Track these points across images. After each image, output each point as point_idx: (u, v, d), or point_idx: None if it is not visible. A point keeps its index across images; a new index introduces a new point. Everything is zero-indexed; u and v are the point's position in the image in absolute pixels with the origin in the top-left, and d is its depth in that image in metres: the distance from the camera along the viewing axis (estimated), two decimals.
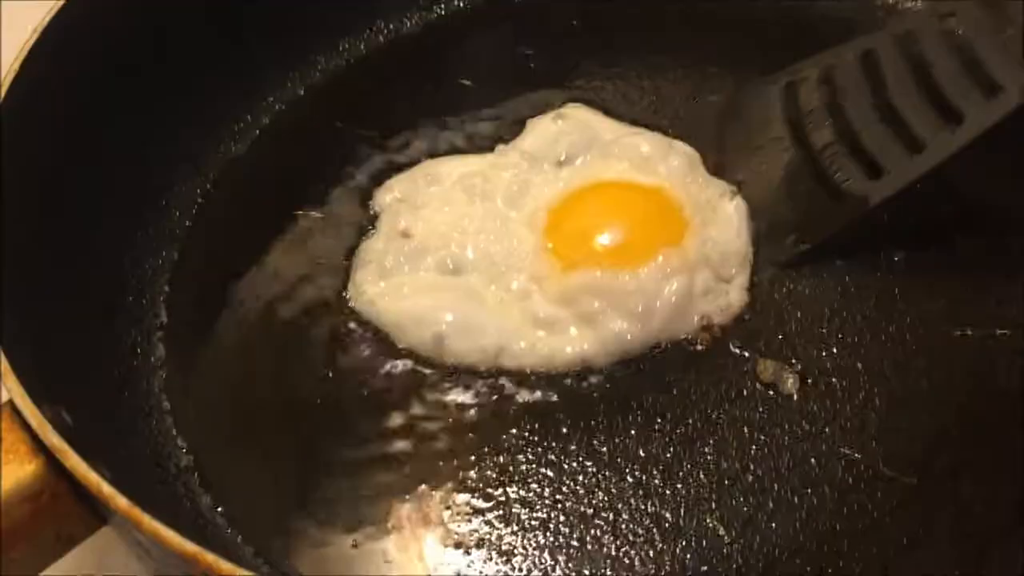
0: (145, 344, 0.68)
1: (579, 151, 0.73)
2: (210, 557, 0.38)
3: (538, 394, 0.63)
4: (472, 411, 0.62)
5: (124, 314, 0.68)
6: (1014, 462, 0.57)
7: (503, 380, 0.63)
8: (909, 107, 0.65)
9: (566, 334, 0.64)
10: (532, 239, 0.67)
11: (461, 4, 0.88)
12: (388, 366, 0.65)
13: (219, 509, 0.59)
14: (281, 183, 0.77)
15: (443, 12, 0.88)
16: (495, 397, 0.63)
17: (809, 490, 0.57)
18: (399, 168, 0.76)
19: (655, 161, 0.70)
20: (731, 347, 0.63)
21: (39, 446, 0.47)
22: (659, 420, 0.61)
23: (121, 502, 0.40)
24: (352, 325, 0.67)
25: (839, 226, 0.66)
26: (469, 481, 0.59)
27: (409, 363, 0.65)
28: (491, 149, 0.75)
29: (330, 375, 0.65)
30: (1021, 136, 0.63)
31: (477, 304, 0.65)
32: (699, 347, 0.64)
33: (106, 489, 0.41)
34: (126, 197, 0.72)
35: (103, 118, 0.70)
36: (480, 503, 0.58)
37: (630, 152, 0.71)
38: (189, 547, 0.38)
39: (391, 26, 0.87)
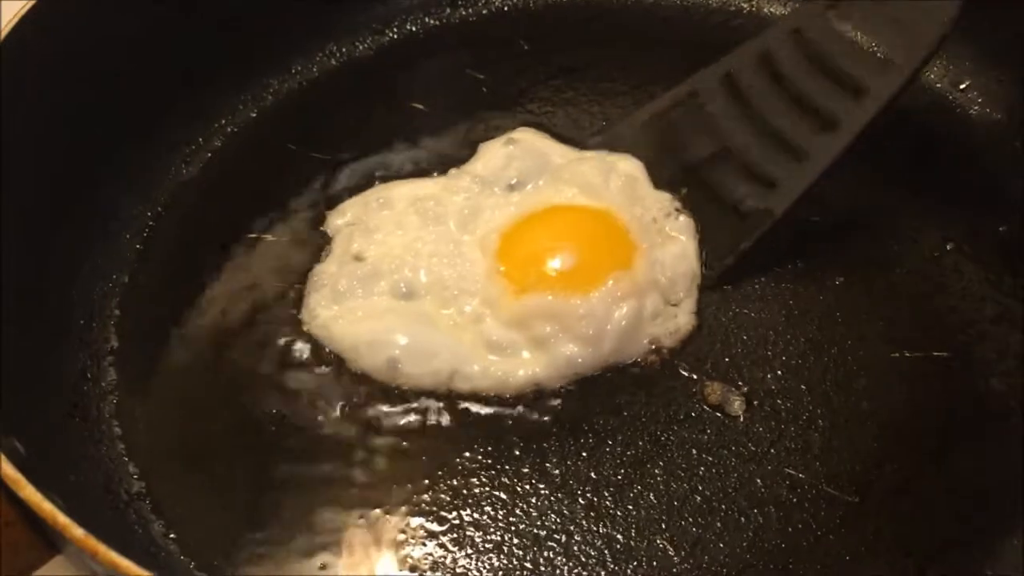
0: (95, 369, 0.67)
1: (530, 175, 0.74)
2: None
3: (491, 417, 0.63)
4: (426, 434, 0.63)
5: (74, 339, 0.68)
6: (951, 480, 0.59)
7: (457, 403, 0.64)
8: (781, 119, 0.69)
9: (519, 357, 0.65)
10: (485, 263, 0.68)
11: (414, 28, 0.89)
12: (342, 390, 0.65)
13: (171, 536, 0.59)
14: (233, 206, 0.77)
15: (396, 36, 0.89)
16: (449, 421, 0.63)
17: (755, 510, 0.58)
18: (352, 191, 0.76)
19: (602, 183, 0.71)
20: (680, 370, 0.65)
21: None
22: (610, 442, 0.62)
23: (76, 532, 0.40)
24: (305, 349, 0.67)
25: (750, 241, 0.68)
26: (423, 504, 0.60)
27: (363, 387, 0.65)
28: (443, 172, 0.76)
29: (283, 399, 0.65)
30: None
31: (430, 328, 0.66)
32: (649, 370, 0.65)
33: (61, 519, 0.41)
34: (76, 221, 0.72)
35: (53, 141, 0.70)
36: (434, 526, 0.59)
37: (578, 177, 0.72)
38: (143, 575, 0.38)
39: (343, 49, 0.87)
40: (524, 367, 0.64)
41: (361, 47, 0.88)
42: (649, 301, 0.66)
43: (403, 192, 0.74)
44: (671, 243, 0.69)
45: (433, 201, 0.72)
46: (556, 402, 0.64)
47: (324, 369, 0.66)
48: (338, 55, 0.87)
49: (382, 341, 0.65)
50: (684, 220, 0.70)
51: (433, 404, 0.64)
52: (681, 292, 0.68)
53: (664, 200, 0.71)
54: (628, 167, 0.73)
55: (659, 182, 0.72)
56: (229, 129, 0.82)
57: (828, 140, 0.67)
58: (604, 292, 0.65)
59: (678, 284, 0.68)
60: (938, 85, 0.80)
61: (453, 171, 0.75)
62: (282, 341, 0.68)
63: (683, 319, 0.67)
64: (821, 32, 0.69)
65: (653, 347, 0.65)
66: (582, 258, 0.67)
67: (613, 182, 0.71)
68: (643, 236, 0.68)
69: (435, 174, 0.76)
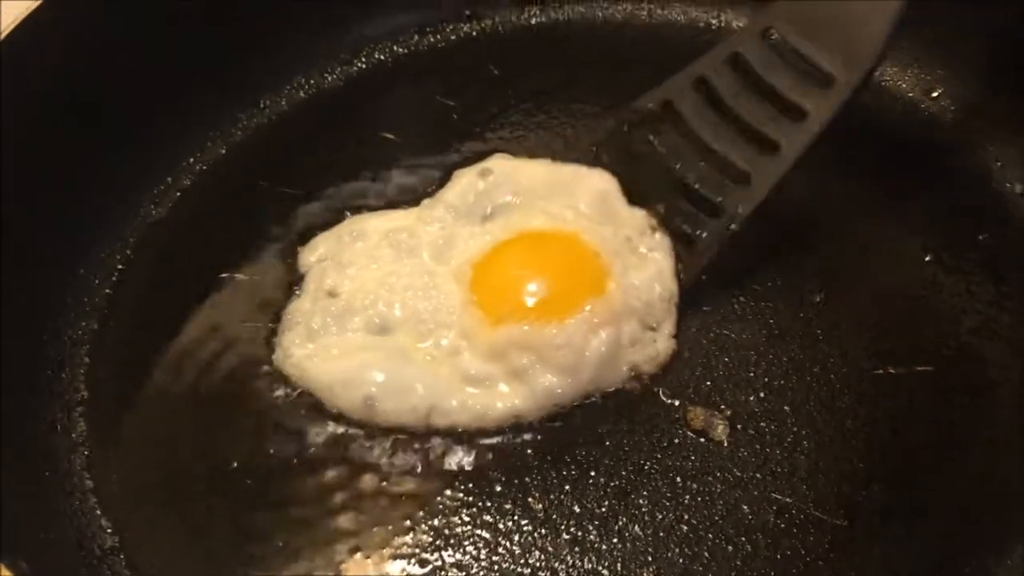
0: (66, 420, 0.66)
1: (503, 202, 0.72)
2: None
3: (471, 454, 0.62)
4: (405, 474, 0.62)
5: (43, 390, 0.67)
6: (940, 498, 0.58)
7: (435, 441, 0.63)
8: (722, 143, 0.68)
9: (497, 390, 0.64)
10: (459, 294, 0.67)
11: (382, 57, 0.88)
12: (319, 430, 0.64)
13: None
14: (204, 246, 0.76)
15: (364, 66, 0.88)
16: (428, 459, 0.62)
17: (743, 538, 0.57)
18: (324, 225, 0.75)
19: (574, 204, 0.70)
20: (661, 396, 0.64)
21: None
22: (593, 473, 0.61)
23: None
24: (281, 390, 0.66)
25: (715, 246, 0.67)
26: (404, 547, 0.59)
27: (340, 427, 0.64)
28: (416, 203, 0.75)
29: (259, 443, 0.63)
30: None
31: (406, 363, 0.65)
32: (630, 397, 0.64)
33: None
34: (44, 266, 0.71)
35: (20, 184, 0.68)
36: (416, 569, 0.58)
37: (550, 200, 0.71)
38: None
39: (312, 81, 0.86)
40: (503, 400, 0.63)
41: (330, 78, 0.87)
42: (627, 327, 0.65)
43: (376, 225, 0.73)
44: (646, 265, 0.68)
45: (407, 233, 0.71)
46: (536, 434, 0.62)
47: (300, 410, 0.65)
48: (307, 87, 0.86)
49: (357, 379, 0.64)
50: (659, 238, 0.69)
51: (412, 443, 0.63)
52: (658, 315, 0.66)
53: (639, 217, 0.70)
54: (601, 183, 0.72)
55: (634, 198, 0.71)
56: (198, 167, 0.81)
57: (770, 163, 0.66)
58: (580, 320, 0.63)
59: (655, 307, 0.66)
60: (910, 94, 0.79)
61: (426, 202, 0.74)
62: (256, 383, 0.66)
63: (662, 344, 0.66)
64: (758, 56, 0.68)
65: (633, 374, 0.64)
66: (555, 286, 0.66)
67: (585, 201, 0.70)
68: (616, 258, 0.67)
69: (408, 205, 0.75)
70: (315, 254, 0.73)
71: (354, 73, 0.88)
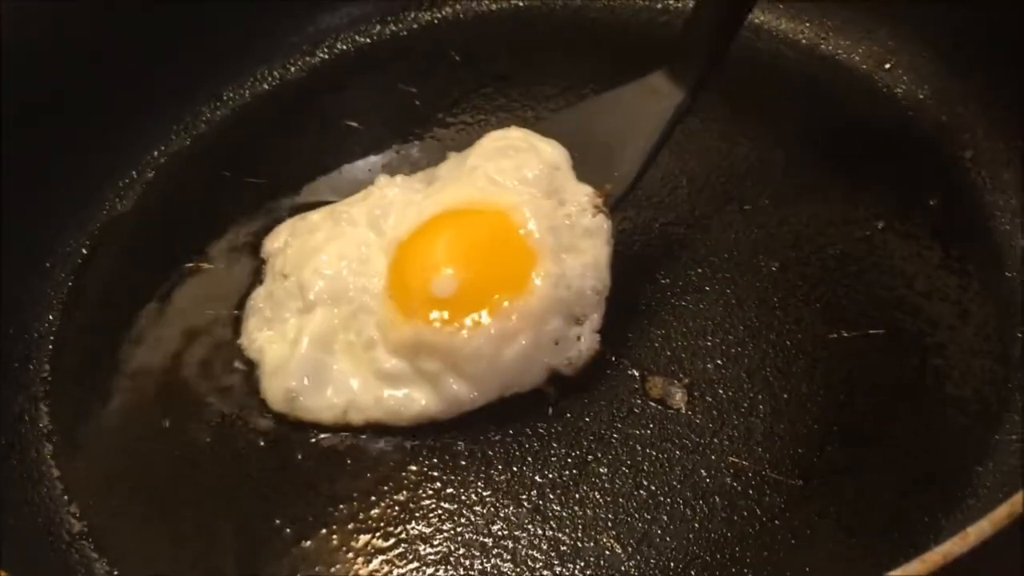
0: (32, 411, 0.67)
1: (448, 169, 0.70)
2: None
3: (437, 428, 0.63)
4: (369, 450, 0.62)
5: (9, 381, 0.67)
6: (893, 457, 0.59)
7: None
8: None
9: (409, 390, 0.62)
10: (384, 276, 0.64)
11: (344, 47, 0.89)
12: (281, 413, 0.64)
13: (115, 573, 0.58)
14: (169, 237, 0.77)
15: (327, 56, 0.89)
16: (395, 436, 0.63)
17: (701, 501, 0.58)
18: (290, 213, 0.76)
19: (516, 170, 0.66)
20: (620, 366, 0.64)
21: None
22: (554, 445, 0.62)
23: None
24: (243, 376, 0.66)
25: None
26: (370, 521, 0.59)
27: None
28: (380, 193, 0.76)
29: (223, 428, 0.64)
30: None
31: (327, 354, 0.63)
32: (589, 369, 0.64)
33: None
34: (8, 260, 0.71)
35: None
36: (381, 543, 0.58)
37: (491, 166, 0.66)
38: None
39: (275, 73, 0.87)
40: (416, 400, 0.61)
41: (292, 69, 0.88)
42: (550, 325, 0.61)
43: (333, 207, 0.72)
44: (581, 252, 0.63)
45: (347, 204, 0.69)
46: (499, 409, 0.63)
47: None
48: (270, 79, 0.87)
49: (283, 370, 0.63)
50: (600, 220, 0.64)
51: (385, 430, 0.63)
52: (587, 308, 0.62)
53: (584, 194, 0.65)
54: (551, 154, 0.67)
55: (583, 174, 0.67)
56: (162, 160, 0.82)
57: None
58: (495, 325, 0.59)
59: (584, 299, 0.62)
60: (863, 67, 0.80)
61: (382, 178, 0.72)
62: (220, 370, 0.67)
63: (586, 343, 0.62)
64: None
65: (552, 375, 0.62)
66: (472, 282, 0.61)
67: (531, 169, 0.66)
68: (551, 237, 0.62)
69: None
70: (277, 242, 0.73)
71: (316, 63, 0.88)
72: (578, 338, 0.62)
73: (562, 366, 0.62)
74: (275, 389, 0.63)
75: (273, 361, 0.64)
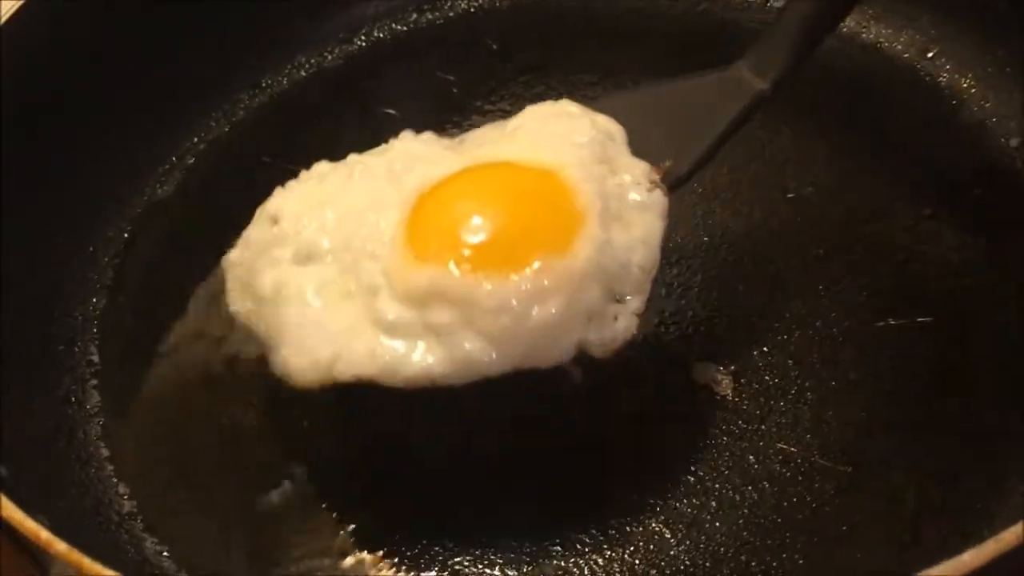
0: (79, 393, 0.67)
1: (486, 131, 0.63)
2: None
3: (482, 417, 0.63)
4: (426, 432, 0.62)
5: (56, 364, 0.68)
6: (942, 444, 0.59)
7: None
8: None
9: (413, 343, 0.53)
10: (397, 224, 0.56)
11: (381, 35, 0.89)
12: (326, 394, 0.65)
13: (165, 553, 0.59)
14: (209, 222, 0.77)
15: (364, 44, 0.89)
16: (438, 417, 0.63)
17: (749, 487, 0.58)
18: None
19: (568, 134, 0.59)
20: (665, 352, 0.64)
21: None
22: (597, 430, 0.62)
23: (60, 547, 0.40)
24: None
25: None
26: (420, 506, 0.59)
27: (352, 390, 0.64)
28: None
29: (268, 409, 0.64)
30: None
31: (315, 299, 0.55)
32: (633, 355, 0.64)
33: (44, 535, 0.40)
34: (53, 246, 0.72)
35: (27, 166, 0.69)
36: (429, 524, 0.59)
37: (539, 125, 0.60)
38: None
39: (312, 60, 0.87)
40: (417, 356, 0.52)
41: (330, 57, 0.88)
42: (587, 295, 0.53)
43: (347, 159, 0.64)
44: (631, 225, 0.56)
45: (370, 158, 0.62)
46: (541, 398, 0.63)
47: None
48: (307, 66, 0.87)
49: (261, 326, 0.55)
50: (657, 196, 0.57)
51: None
52: (630, 287, 0.55)
53: (640, 168, 0.58)
54: (609, 125, 0.60)
55: (640, 152, 0.60)
56: (202, 146, 0.82)
57: None
58: (525, 281, 0.51)
59: (629, 276, 0.55)
60: (905, 55, 0.80)
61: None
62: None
63: (623, 324, 0.54)
64: None
65: (579, 355, 0.54)
66: (505, 228, 0.52)
67: (582, 135, 0.58)
68: (600, 202, 0.55)
69: None
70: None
71: (354, 51, 0.89)
72: (615, 318, 0.54)
73: (593, 344, 0.54)
74: (249, 351, 0.57)
75: (250, 317, 0.57)
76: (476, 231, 0.53)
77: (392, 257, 0.54)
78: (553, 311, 0.52)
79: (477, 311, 0.51)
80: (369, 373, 0.53)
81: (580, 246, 0.53)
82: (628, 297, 0.56)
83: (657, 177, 0.59)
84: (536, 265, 0.52)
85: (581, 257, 0.53)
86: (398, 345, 0.53)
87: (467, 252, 0.52)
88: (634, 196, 0.58)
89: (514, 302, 0.51)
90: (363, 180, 0.59)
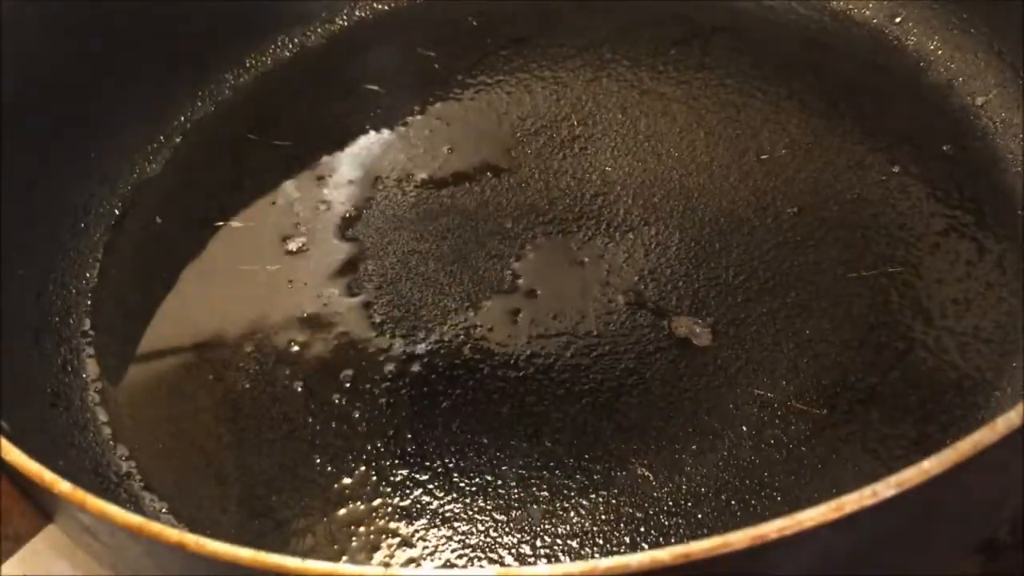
0: (75, 362, 0.68)
1: None
2: (155, 527, 0.39)
3: (469, 372, 0.65)
4: (404, 384, 0.64)
5: (51, 334, 0.69)
6: (913, 385, 0.61)
7: (428, 356, 0.65)
8: None
9: None
10: None
11: (363, 14, 0.91)
12: (316, 351, 0.66)
13: (164, 510, 0.60)
14: (198, 197, 0.79)
15: (345, 23, 0.91)
16: (426, 372, 0.65)
17: (729, 431, 0.60)
18: (313, 178, 0.78)
19: None
20: (646, 309, 0.66)
21: None
22: (584, 382, 0.63)
23: (64, 486, 0.42)
24: (276, 324, 0.68)
25: None
26: (407, 456, 0.61)
27: (342, 339, 0.66)
28: (404, 151, 0.79)
29: (260, 374, 0.66)
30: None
31: None
32: (615, 313, 0.66)
33: (48, 476, 0.42)
34: (47, 224, 0.73)
35: (18, 142, 0.71)
36: (418, 476, 0.60)
37: None
38: (134, 519, 0.40)
39: (296, 40, 0.89)
40: None
41: (313, 36, 0.90)
42: None
43: None
44: None
45: None
46: (525, 348, 0.65)
47: (297, 336, 0.68)
48: (291, 46, 0.89)
49: None
50: None
51: (418, 363, 0.65)
52: None
53: None
54: None
55: None
56: (189, 125, 0.84)
57: None
58: None
59: None
60: (874, 20, 0.82)
61: None
62: (253, 320, 0.69)
63: None
64: None
65: None
66: None
67: None
68: None
69: (396, 149, 0.78)
70: None
71: (336, 30, 0.90)
72: None
73: None
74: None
75: None
76: None
77: None
78: None
79: None
80: None
81: None
82: None
83: None
84: None
85: None
86: None
87: None
88: None
89: None
90: None
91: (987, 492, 0.44)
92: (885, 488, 0.37)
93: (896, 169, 0.72)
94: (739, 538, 0.36)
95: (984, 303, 0.64)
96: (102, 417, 0.65)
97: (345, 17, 0.91)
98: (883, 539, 0.41)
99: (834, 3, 0.84)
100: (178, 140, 0.83)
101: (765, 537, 0.36)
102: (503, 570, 0.35)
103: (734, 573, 0.38)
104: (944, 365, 0.61)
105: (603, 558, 0.36)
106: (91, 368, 0.68)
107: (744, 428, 0.60)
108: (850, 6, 0.83)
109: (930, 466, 0.37)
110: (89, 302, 0.72)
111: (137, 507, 0.60)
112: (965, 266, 0.66)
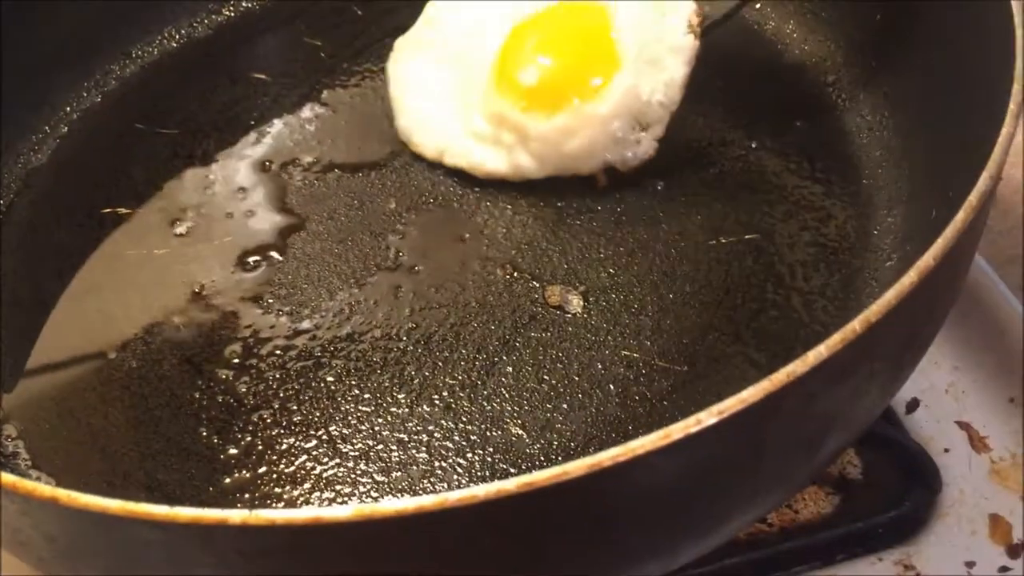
0: None
1: None
2: (28, 484, 0.41)
3: (353, 345, 0.67)
4: (291, 358, 0.66)
5: None
6: (765, 343, 0.66)
7: (313, 330, 0.68)
8: None
9: (490, 150, 0.75)
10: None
11: (249, 5, 0.93)
12: (203, 330, 0.68)
13: (53, 483, 0.61)
14: (85, 186, 0.80)
15: (232, 13, 0.92)
16: (319, 349, 0.67)
17: (597, 390, 0.64)
18: (202, 161, 0.79)
19: None
20: (521, 280, 0.70)
21: None
22: (463, 351, 0.67)
23: None
24: (161, 305, 0.70)
25: None
26: (292, 426, 0.64)
27: (223, 324, 0.68)
28: (290, 137, 0.80)
29: (147, 354, 0.68)
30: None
31: (441, 102, 0.78)
32: (493, 283, 0.70)
33: None
34: None
35: None
36: (303, 443, 0.63)
37: None
38: (7, 478, 0.41)
39: (182, 31, 0.91)
40: (493, 160, 0.75)
41: (199, 27, 0.91)
42: (611, 128, 0.72)
43: None
44: (662, 68, 0.72)
45: None
46: (410, 317, 0.68)
47: (185, 316, 0.69)
48: (177, 37, 0.91)
49: (405, 106, 0.79)
50: (689, 41, 0.72)
51: (304, 337, 0.68)
52: (652, 118, 0.72)
53: (686, 9, 0.73)
54: None
55: None
56: (75, 115, 0.85)
57: None
58: (562, 120, 0.71)
59: (651, 111, 0.72)
60: (732, 5, 0.87)
61: None
62: (138, 301, 0.71)
63: (644, 147, 0.73)
64: None
65: (605, 168, 0.73)
66: (550, 80, 0.73)
67: None
68: (635, 53, 0.72)
69: (283, 137, 0.81)
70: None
71: (223, 21, 0.92)
72: (637, 142, 0.73)
73: (617, 162, 0.73)
74: (400, 123, 0.79)
75: (402, 99, 0.80)
76: (530, 76, 0.73)
77: (485, 85, 0.75)
78: (584, 139, 0.72)
79: (528, 139, 0.73)
80: (465, 165, 0.76)
81: (609, 92, 0.72)
82: (650, 126, 0.73)
83: (697, 21, 0.72)
84: (574, 105, 0.72)
85: (610, 102, 0.72)
86: (482, 150, 0.75)
87: (525, 92, 0.73)
88: (671, 40, 0.73)
89: (553, 135, 0.72)
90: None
91: (806, 424, 0.48)
92: (707, 416, 0.41)
93: (754, 144, 0.77)
94: (577, 467, 0.40)
95: (829, 265, 0.69)
96: None
97: (232, 8, 0.92)
98: (711, 466, 0.45)
99: None
100: (64, 131, 0.84)
101: (600, 464, 0.40)
102: (361, 507, 0.38)
103: (575, 500, 0.41)
104: (793, 323, 0.66)
105: (455, 491, 0.39)
106: None
107: (611, 387, 0.64)
108: None
109: (748, 395, 0.41)
110: None
111: None
112: (813, 232, 0.71)
